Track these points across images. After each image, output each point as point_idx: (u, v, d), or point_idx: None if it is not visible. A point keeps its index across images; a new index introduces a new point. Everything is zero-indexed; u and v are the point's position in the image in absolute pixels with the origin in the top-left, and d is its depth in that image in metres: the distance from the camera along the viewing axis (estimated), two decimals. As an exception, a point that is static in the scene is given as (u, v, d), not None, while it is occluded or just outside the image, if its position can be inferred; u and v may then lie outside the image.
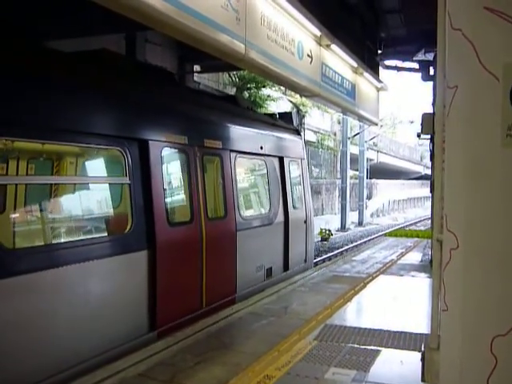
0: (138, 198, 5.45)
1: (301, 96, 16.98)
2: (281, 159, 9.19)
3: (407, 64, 13.65)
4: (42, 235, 5.49)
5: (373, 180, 38.20)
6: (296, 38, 7.83)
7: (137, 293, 5.41)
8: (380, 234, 23.38)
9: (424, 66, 12.45)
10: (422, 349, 2.42)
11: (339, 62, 10.21)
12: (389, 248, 12.71)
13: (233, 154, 7.51)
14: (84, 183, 5.94)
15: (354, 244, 20.40)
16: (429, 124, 7.76)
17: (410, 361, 4.53)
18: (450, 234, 1.92)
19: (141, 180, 5.50)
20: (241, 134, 7.92)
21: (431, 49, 11.12)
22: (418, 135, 10.07)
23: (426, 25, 6.12)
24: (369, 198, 36.16)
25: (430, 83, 11.27)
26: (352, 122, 28.26)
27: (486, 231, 1.81)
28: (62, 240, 5.48)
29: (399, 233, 19.20)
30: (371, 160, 36.49)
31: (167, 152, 6.16)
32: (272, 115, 10.15)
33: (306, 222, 10.05)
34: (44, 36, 8.43)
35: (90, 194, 6.10)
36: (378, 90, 13.92)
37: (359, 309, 6.84)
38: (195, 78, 15.06)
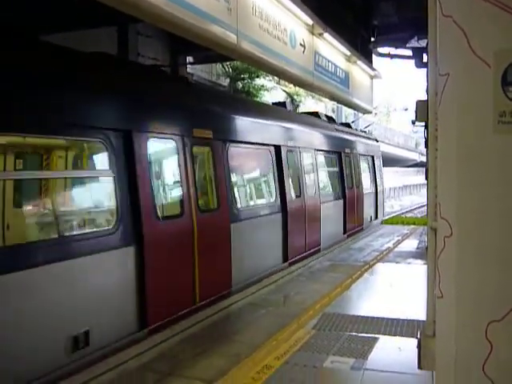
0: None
1: (295, 86, 16.92)
2: (372, 157, 15.97)
3: (400, 51, 13.64)
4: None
5: (368, 168, 38.11)
6: (288, 27, 7.79)
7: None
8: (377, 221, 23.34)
9: (417, 53, 12.43)
10: (418, 336, 2.43)
11: (332, 50, 10.17)
12: (385, 235, 12.75)
13: (359, 156, 14.20)
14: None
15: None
16: (423, 111, 7.66)
17: (407, 348, 4.56)
18: (443, 222, 1.92)
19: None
20: (360, 144, 14.68)
21: (424, 36, 11.07)
22: (413, 122, 10.12)
23: (419, 11, 6.09)
24: (365, 186, 36.09)
25: (424, 69, 11.26)
26: (347, 111, 28.21)
27: (478, 218, 1.81)
28: None
29: (396, 220, 19.21)
30: (366, 148, 36.38)
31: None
32: (364, 131, 17.73)
33: (383, 192, 16.97)
34: (38, 30, 8.37)
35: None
36: (372, 77, 13.89)
37: (357, 297, 6.87)
38: (188, 70, 14.99)
